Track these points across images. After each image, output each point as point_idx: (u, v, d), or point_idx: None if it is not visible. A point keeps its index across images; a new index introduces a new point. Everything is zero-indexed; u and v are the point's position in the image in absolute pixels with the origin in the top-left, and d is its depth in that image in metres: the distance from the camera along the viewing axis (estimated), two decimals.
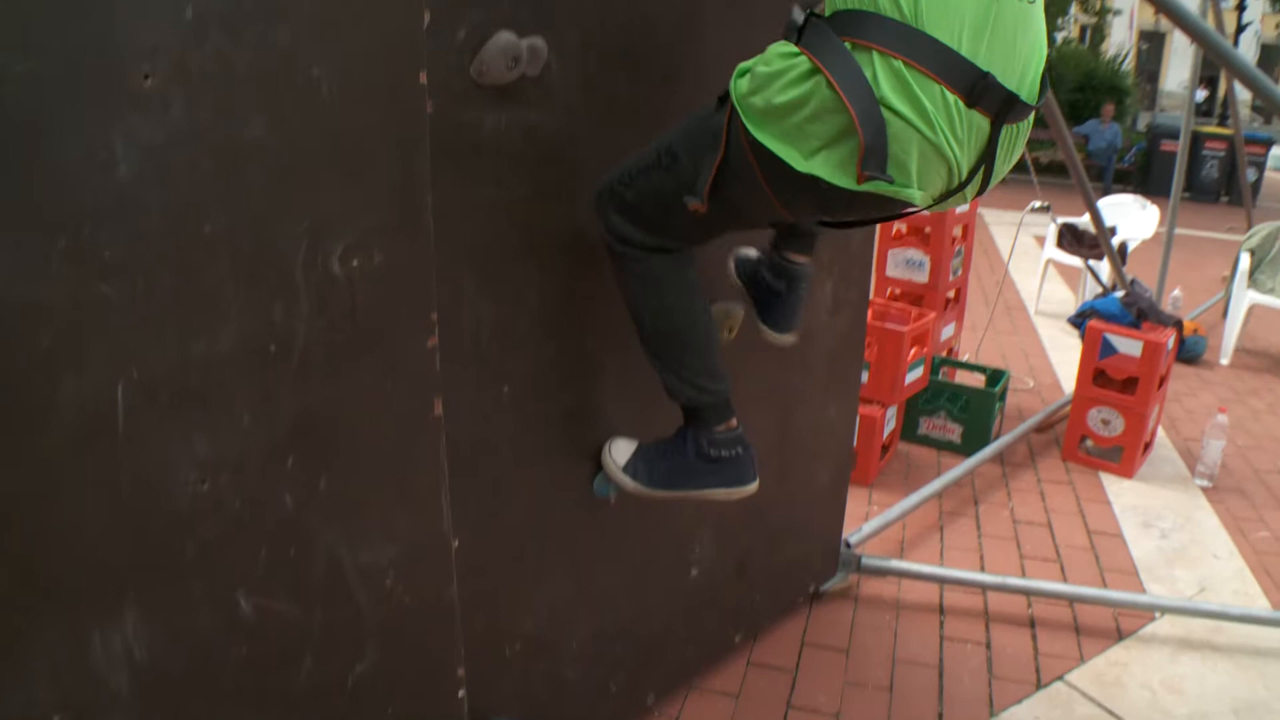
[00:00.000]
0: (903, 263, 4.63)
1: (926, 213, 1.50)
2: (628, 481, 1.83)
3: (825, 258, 2.45)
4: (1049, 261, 6.74)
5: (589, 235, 1.71)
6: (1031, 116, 1.40)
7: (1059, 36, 18.54)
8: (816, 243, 1.97)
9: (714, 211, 1.51)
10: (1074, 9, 19.10)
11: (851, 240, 2.56)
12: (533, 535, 1.86)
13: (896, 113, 1.26)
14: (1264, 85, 2.65)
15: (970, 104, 1.28)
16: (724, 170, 1.45)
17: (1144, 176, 14.41)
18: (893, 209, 1.44)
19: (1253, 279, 5.95)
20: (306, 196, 1.28)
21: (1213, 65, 6.06)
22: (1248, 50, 27.04)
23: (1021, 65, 1.34)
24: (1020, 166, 1.68)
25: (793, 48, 1.34)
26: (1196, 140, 13.60)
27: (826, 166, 1.31)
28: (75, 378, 1.09)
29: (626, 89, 1.75)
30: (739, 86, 1.40)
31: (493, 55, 1.47)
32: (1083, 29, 25.18)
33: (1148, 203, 6.77)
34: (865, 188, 1.30)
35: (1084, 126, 14.24)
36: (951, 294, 4.80)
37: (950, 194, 1.38)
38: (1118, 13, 23.31)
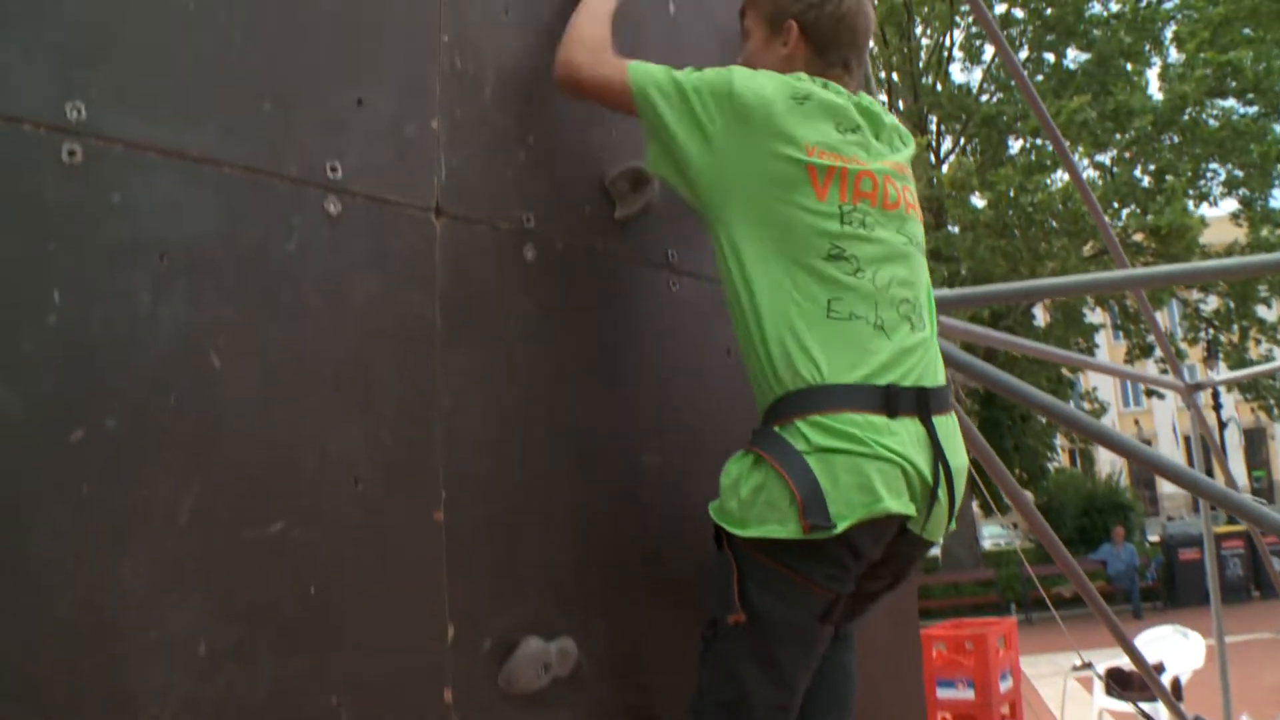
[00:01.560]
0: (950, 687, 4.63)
1: (938, 543, 1.65)
2: None
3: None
4: (1102, 711, 6.31)
5: None
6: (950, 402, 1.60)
7: (1050, 467, 19.46)
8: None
9: (762, 635, 1.50)
10: (1059, 438, 19.85)
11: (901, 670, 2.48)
12: None
13: (833, 450, 1.44)
14: (1206, 485, 2.69)
15: (891, 415, 1.48)
16: (743, 579, 1.49)
17: (1170, 590, 14.33)
18: (906, 543, 1.55)
19: None
20: None
21: (1208, 457, 6.24)
22: (1232, 440, 27.71)
23: (916, 359, 1.55)
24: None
25: (740, 453, 1.54)
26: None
27: (795, 526, 1.43)
28: None
29: None
30: (715, 511, 1.55)
31: (521, 665, 1.51)
32: (1072, 454, 26.66)
33: (1189, 630, 6.60)
34: (813, 535, 1.41)
35: (1099, 552, 14.59)
36: (1006, 709, 4.77)
37: (932, 502, 1.52)
38: None
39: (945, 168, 17.16)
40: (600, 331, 1.81)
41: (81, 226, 1.20)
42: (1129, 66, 16.83)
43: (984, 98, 17.22)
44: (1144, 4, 16.93)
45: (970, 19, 16.99)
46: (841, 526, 1.43)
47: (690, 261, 1.96)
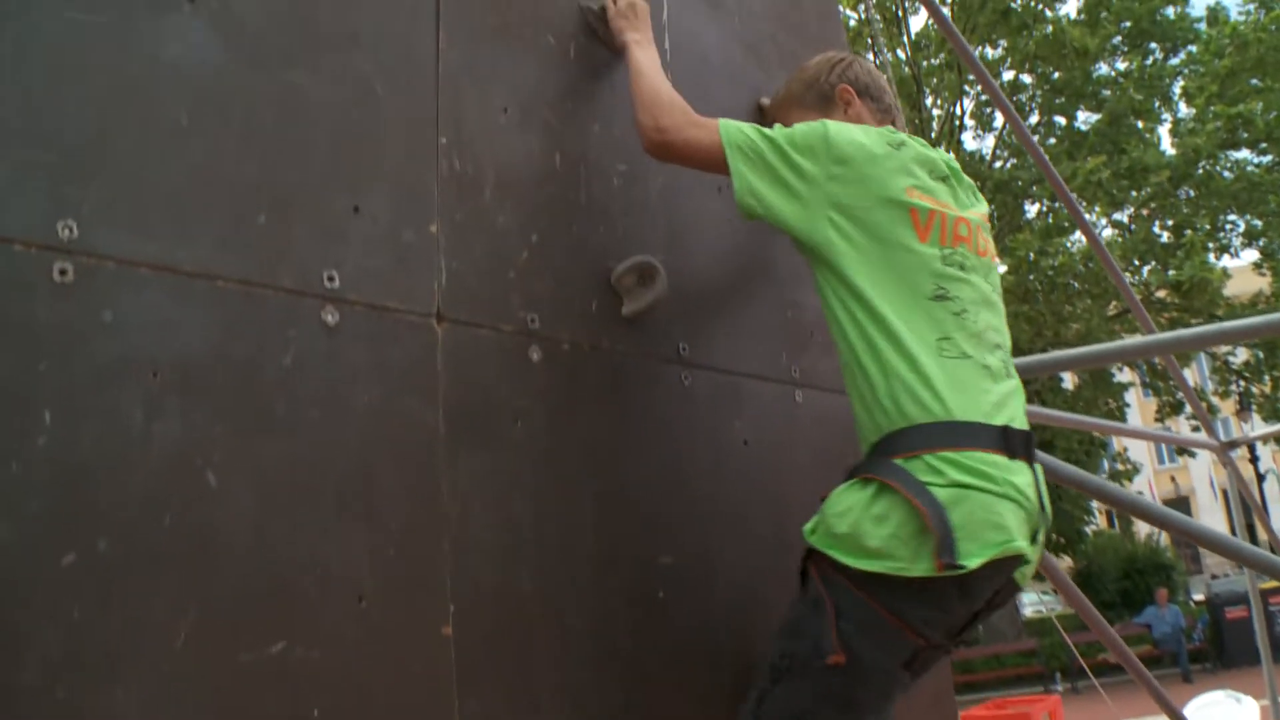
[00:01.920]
0: None
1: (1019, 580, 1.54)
2: None
3: None
4: None
5: None
6: None
7: (1088, 530, 19.38)
8: None
9: (848, 677, 1.44)
10: (1095, 503, 20.21)
11: None
12: None
13: (968, 487, 1.41)
14: (1250, 554, 2.71)
15: (1011, 456, 1.47)
16: (840, 619, 1.44)
17: (1218, 650, 14.09)
18: (1005, 574, 1.48)
19: None
20: None
21: (1248, 512, 6.14)
22: (1272, 492, 27.49)
23: (1015, 405, 1.56)
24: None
25: (854, 481, 1.49)
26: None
27: (927, 564, 1.39)
28: None
29: None
30: (820, 538, 1.48)
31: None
32: (1109, 515, 26.26)
33: (1241, 695, 6.44)
34: (945, 574, 1.37)
35: (1143, 615, 14.49)
36: None
37: (1035, 537, 1.50)
38: (1139, 494, 27.06)
39: None
40: (611, 430, 1.76)
41: (72, 345, 1.18)
42: (1140, 124, 16.91)
43: (997, 164, 17.31)
44: (1150, 62, 17.08)
45: (979, 87, 17.18)
46: (973, 564, 1.39)
47: (702, 353, 1.92)
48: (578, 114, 1.84)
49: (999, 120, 17.48)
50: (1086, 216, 15.77)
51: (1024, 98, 17.31)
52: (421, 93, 1.59)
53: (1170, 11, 17.01)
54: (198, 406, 1.27)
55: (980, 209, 1.74)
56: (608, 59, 1.93)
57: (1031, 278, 14.75)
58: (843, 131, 1.62)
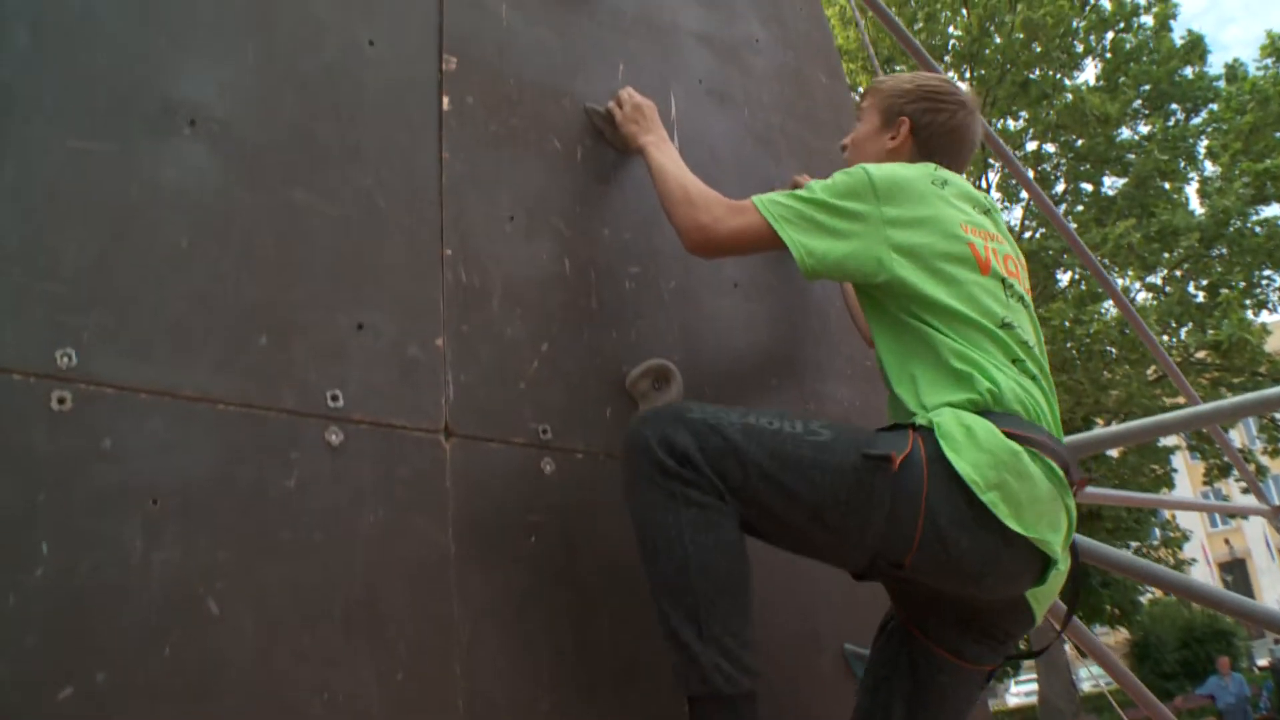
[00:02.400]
0: None
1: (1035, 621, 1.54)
2: None
3: None
4: None
5: None
6: None
7: (1143, 600, 18.55)
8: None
9: (829, 533, 1.40)
10: None
11: None
12: None
13: (1045, 479, 1.41)
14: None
15: (1067, 482, 1.45)
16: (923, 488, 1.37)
17: None
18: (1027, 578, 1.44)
19: None
20: None
21: None
22: None
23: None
24: None
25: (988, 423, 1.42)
26: None
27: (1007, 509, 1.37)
28: None
29: None
30: (958, 455, 1.38)
31: None
32: None
33: None
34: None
35: (1205, 686, 14.09)
36: None
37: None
38: (1192, 562, 26.32)
39: None
40: (628, 541, 1.69)
41: (71, 474, 1.18)
42: (1167, 185, 16.84)
43: (1026, 234, 17.26)
44: (1172, 123, 17.07)
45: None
46: (1024, 526, 1.38)
47: None
48: (587, 218, 1.83)
49: (1025, 191, 17.50)
50: (1119, 281, 15.82)
51: (1048, 167, 17.30)
52: (425, 204, 1.59)
53: (1188, 71, 17.05)
54: (199, 532, 1.25)
55: (1016, 249, 1.74)
56: (616, 161, 1.93)
57: (1069, 345, 14.58)
58: (883, 170, 1.61)
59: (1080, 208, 17.14)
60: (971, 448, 1.38)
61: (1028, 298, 1.66)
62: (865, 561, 1.44)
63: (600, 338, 1.77)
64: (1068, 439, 2.62)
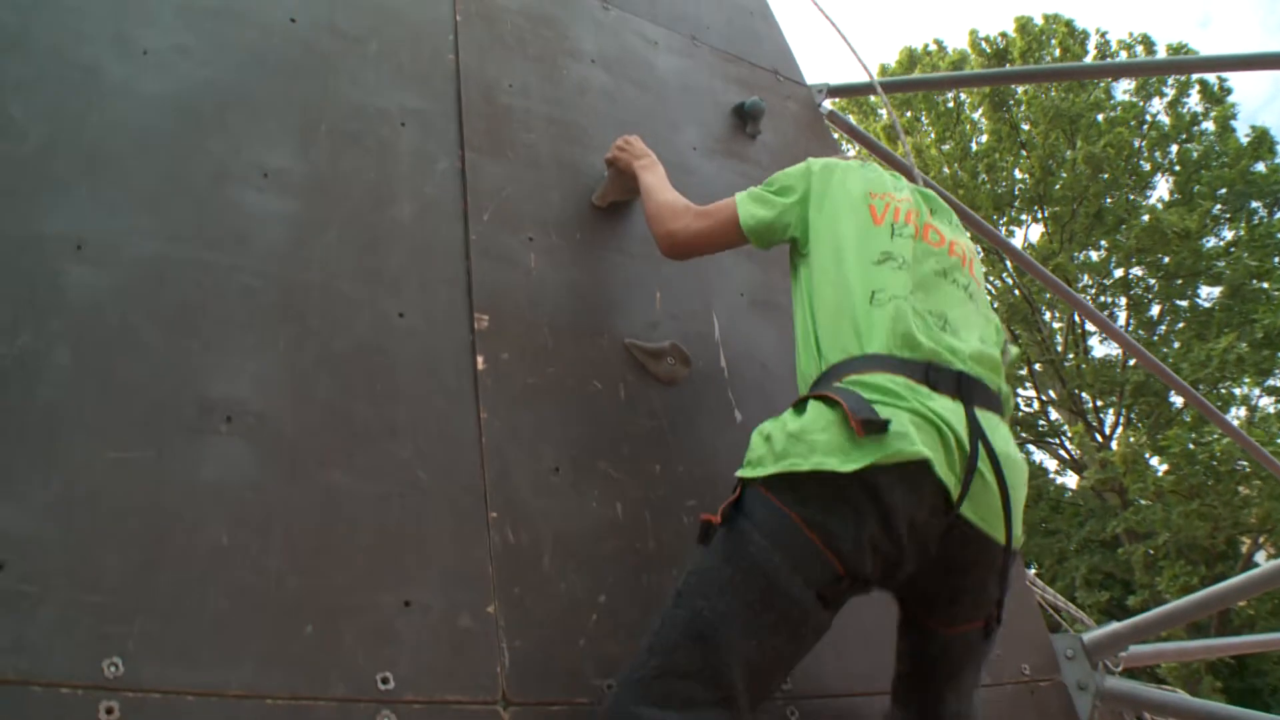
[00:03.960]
0: None
1: (1013, 546, 1.51)
2: None
3: None
4: None
5: None
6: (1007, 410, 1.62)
7: None
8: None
9: (757, 594, 1.36)
10: None
11: None
12: None
13: (873, 402, 1.44)
14: None
15: (933, 388, 1.50)
16: (756, 532, 1.39)
17: None
18: (961, 537, 1.46)
19: None
20: None
21: None
22: None
23: (969, 347, 1.59)
24: None
25: (788, 413, 1.50)
26: None
27: (839, 456, 1.39)
28: None
29: None
30: (743, 470, 1.47)
31: None
32: None
33: None
34: (868, 440, 1.39)
35: None
36: None
37: (970, 474, 1.45)
38: None
39: (1115, 444, 16.41)
40: None
41: None
42: (1265, 285, 16.26)
43: (1131, 361, 16.73)
44: (1256, 221, 16.64)
45: (1093, 290, 16.92)
46: (877, 456, 1.39)
47: (811, 683, 1.74)
48: (635, 457, 1.81)
49: (1120, 318, 17.09)
50: (1237, 390, 15.03)
51: (1139, 290, 16.95)
52: (466, 469, 1.59)
53: (1260, 166, 16.77)
54: None
55: (953, 223, 1.87)
56: (661, 393, 1.92)
57: (1196, 468, 13.79)
58: (821, 159, 1.86)
59: (1181, 325, 16.61)
60: (762, 448, 1.48)
61: (941, 249, 1.75)
62: (827, 598, 1.43)
63: (660, 580, 1.70)
64: (1194, 598, 2.41)
